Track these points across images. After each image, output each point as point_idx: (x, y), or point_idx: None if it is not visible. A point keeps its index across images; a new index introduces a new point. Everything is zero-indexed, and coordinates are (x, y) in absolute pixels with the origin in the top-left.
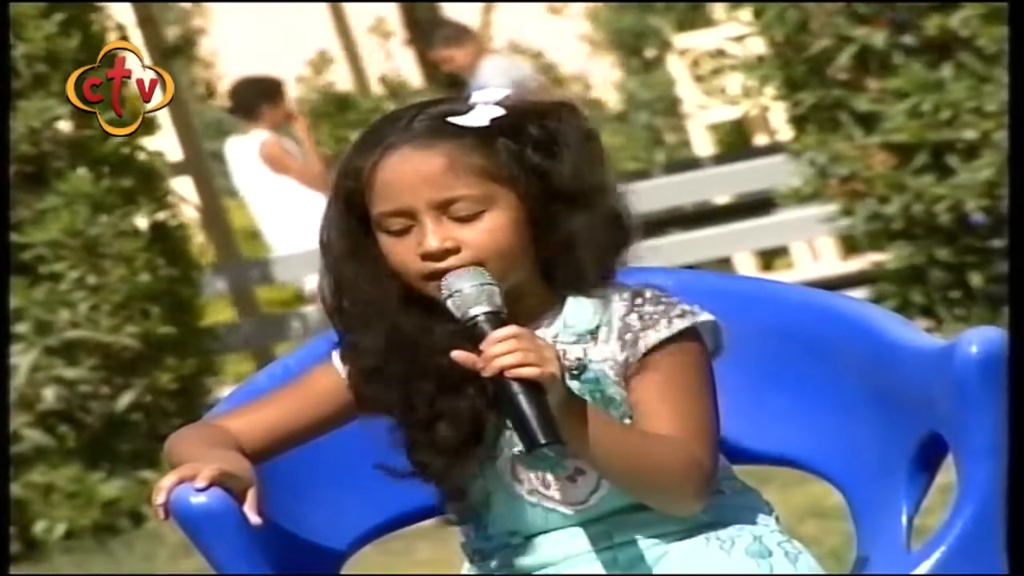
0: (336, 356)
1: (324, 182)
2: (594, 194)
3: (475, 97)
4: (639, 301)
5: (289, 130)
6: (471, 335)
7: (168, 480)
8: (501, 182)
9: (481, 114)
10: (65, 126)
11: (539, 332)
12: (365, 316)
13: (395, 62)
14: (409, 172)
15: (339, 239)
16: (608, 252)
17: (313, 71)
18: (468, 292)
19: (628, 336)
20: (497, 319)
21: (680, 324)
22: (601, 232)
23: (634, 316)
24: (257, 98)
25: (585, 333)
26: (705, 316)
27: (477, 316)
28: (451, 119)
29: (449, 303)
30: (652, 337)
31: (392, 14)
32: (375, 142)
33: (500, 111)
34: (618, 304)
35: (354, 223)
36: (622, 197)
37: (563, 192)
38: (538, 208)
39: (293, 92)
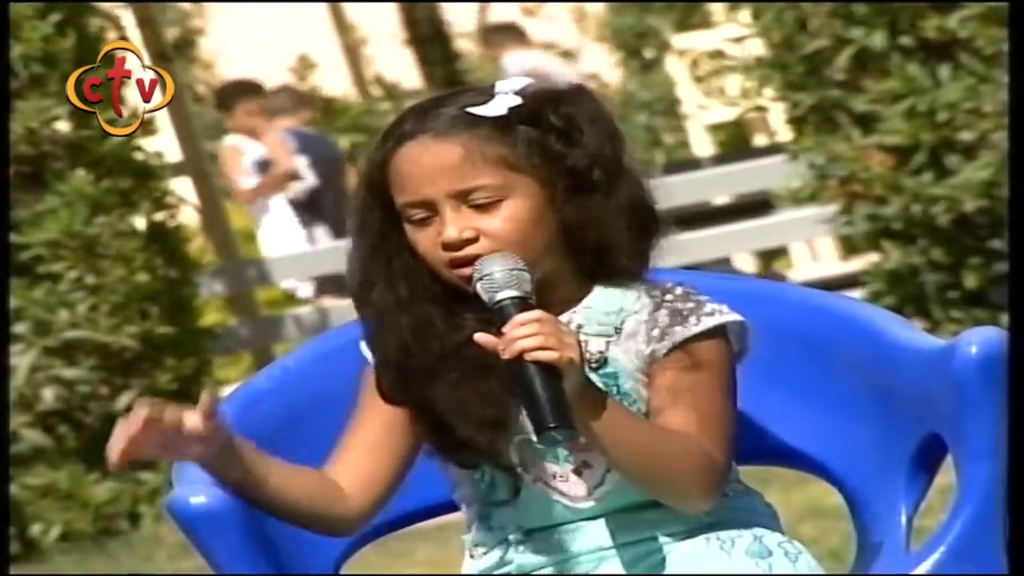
0: (364, 347)
1: (253, 198)
2: (617, 180)
3: (498, 87)
4: (669, 297)
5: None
6: (497, 321)
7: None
8: (520, 170)
9: (499, 103)
10: (63, 126)
11: (566, 319)
12: (389, 306)
13: (393, 63)
14: (427, 163)
15: (366, 229)
16: (636, 240)
17: (297, 77)
18: (498, 276)
19: (655, 331)
20: (524, 304)
21: (709, 322)
22: (627, 218)
23: (663, 312)
24: (231, 98)
25: (609, 325)
26: (734, 316)
27: (504, 300)
28: (469, 109)
29: (479, 287)
30: (680, 333)
31: (392, 14)
32: (398, 134)
33: (518, 100)
34: (647, 299)
35: (380, 213)
36: (646, 186)
37: (585, 178)
38: (561, 195)
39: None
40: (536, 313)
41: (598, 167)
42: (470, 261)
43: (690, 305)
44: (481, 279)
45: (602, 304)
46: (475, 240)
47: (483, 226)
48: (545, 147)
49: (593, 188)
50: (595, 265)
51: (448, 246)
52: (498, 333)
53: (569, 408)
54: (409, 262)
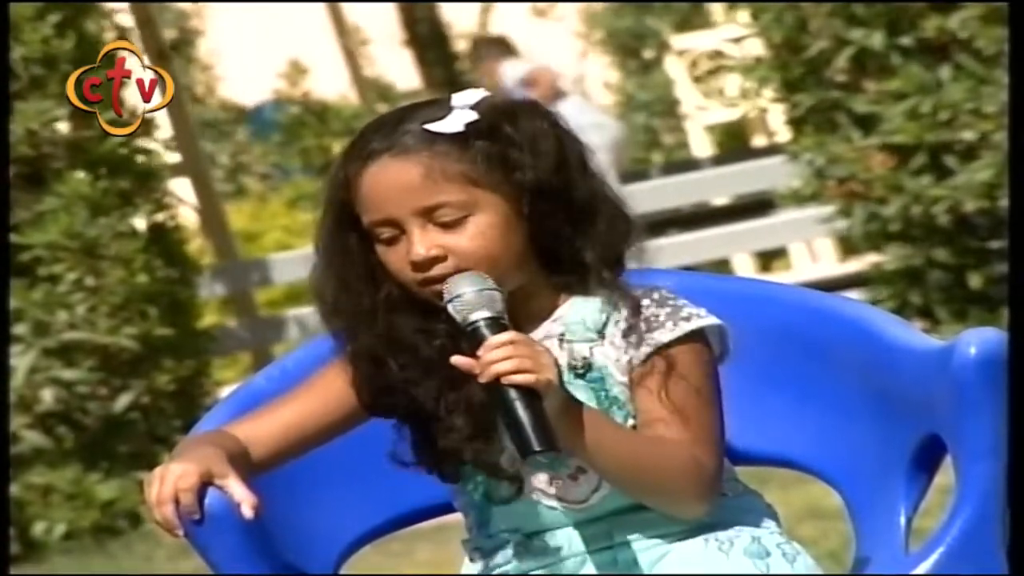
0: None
1: None
2: (582, 191)
3: (454, 100)
4: (646, 302)
5: None
6: (471, 343)
7: (164, 502)
8: (482, 186)
9: (456, 119)
10: (63, 127)
11: (546, 329)
12: (360, 321)
13: (392, 64)
14: (389, 182)
15: (333, 245)
16: (607, 249)
17: (288, 83)
18: (469, 297)
19: (634, 337)
20: (497, 324)
21: (686, 327)
22: (597, 229)
23: (640, 317)
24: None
25: (592, 332)
26: (712, 320)
27: (477, 322)
28: (427, 126)
29: (450, 308)
30: (658, 339)
31: (391, 14)
32: (359, 151)
33: (474, 115)
34: (624, 304)
35: (347, 230)
36: (618, 195)
37: (549, 190)
38: (527, 208)
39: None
40: (509, 335)
41: (560, 176)
42: (440, 280)
43: (666, 310)
44: (452, 300)
45: (580, 312)
46: (443, 258)
47: (450, 244)
48: (505, 161)
49: (557, 198)
50: (568, 274)
51: (416, 265)
52: (472, 354)
53: (551, 429)
54: (380, 277)
